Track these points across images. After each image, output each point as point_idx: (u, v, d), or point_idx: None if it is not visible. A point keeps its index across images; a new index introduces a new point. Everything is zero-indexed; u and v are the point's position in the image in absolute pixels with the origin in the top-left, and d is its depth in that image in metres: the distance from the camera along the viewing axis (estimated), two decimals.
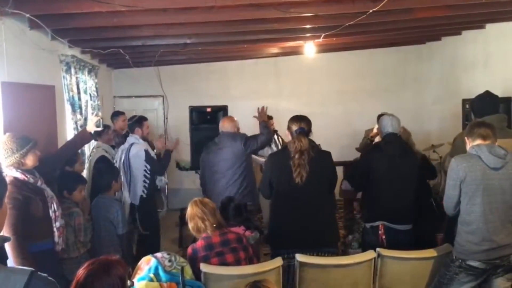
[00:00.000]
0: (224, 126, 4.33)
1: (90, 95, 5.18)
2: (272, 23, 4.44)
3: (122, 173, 4.33)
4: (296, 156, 3.16)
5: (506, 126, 3.75)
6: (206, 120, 5.31)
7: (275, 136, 5.53)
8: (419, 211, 3.55)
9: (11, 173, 2.88)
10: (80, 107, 4.76)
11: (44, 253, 2.94)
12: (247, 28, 4.58)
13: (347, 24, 4.44)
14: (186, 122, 5.43)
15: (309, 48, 5.85)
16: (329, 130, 7.04)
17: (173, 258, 2.59)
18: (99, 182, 4.02)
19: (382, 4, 3.69)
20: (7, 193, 2.71)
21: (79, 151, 4.19)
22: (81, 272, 1.76)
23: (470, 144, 2.83)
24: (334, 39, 5.55)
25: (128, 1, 3.25)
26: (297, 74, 7.71)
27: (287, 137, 3.41)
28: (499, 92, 4.38)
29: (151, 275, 2.48)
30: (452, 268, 2.84)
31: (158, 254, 2.60)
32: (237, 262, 2.86)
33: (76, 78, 4.72)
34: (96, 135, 4.68)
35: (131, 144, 4.41)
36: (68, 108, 4.53)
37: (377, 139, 4.18)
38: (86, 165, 4.75)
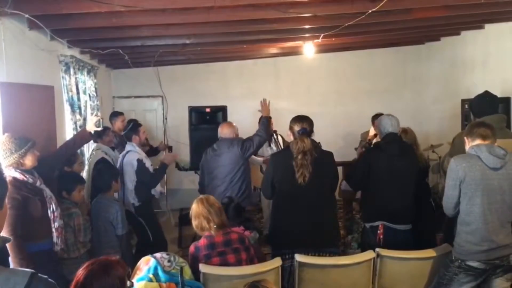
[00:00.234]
0: (223, 132, 4.33)
1: (89, 95, 5.18)
2: (271, 23, 4.44)
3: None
4: (299, 156, 3.16)
5: (505, 126, 3.75)
6: (206, 120, 5.31)
7: (274, 136, 5.53)
8: (419, 211, 3.56)
9: (10, 173, 2.88)
10: (79, 108, 4.75)
11: (42, 253, 2.95)
12: (246, 28, 4.58)
13: (346, 25, 4.44)
14: (186, 122, 5.44)
15: (308, 48, 5.85)
16: (328, 130, 7.04)
17: (172, 258, 2.59)
18: (99, 182, 4.02)
19: (381, 4, 3.69)
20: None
21: (78, 151, 4.19)
22: (80, 272, 1.76)
23: (470, 144, 2.84)
24: (333, 39, 5.55)
25: (127, 1, 3.25)
26: (296, 74, 7.71)
27: (289, 137, 3.41)
28: (498, 92, 4.39)
29: (150, 275, 2.48)
30: (452, 268, 2.84)
31: (157, 255, 2.60)
32: (239, 263, 2.86)
33: (75, 78, 4.72)
34: (97, 137, 4.69)
35: (128, 152, 4.38)
36: (67, 108, 4.52)
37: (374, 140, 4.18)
38: (86, 167, 4.75)
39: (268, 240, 3.60)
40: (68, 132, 4.53)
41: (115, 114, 5.41)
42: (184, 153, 6.19)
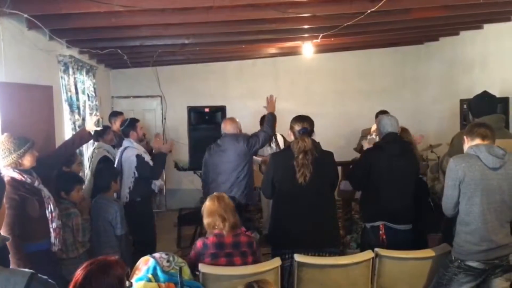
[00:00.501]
0: (226, 127, 4.29)
1: (88, 95, 5.17)
2: (270, 23, 4.44)
3: None
4: (300, 156, 3.16)
5: (504, 126, 3.75)
6: (205, 120, 5.31)
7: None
8: (418, 211, 3.56)
9: (8, 173, 2.88)
10: (78, 108, 4.75)
11: (40, 253, 2.94)
12: (245, 28, 4.58)
13: (345, 25, 4.44)
14: (185, 122, 5.44)
15: (307, 48, 5.85)
16: (328, 130, 7.04)
17: (171, 258, 2.58)
18: (98, 182, 4.01)
19: (380, 4, 3.69)
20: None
21: (77, 151, 4.19)
22: (79, 272, 1.76)
23: (469, 143, 2.84)
24: (332, 39, 5.55)
25: (126, 1, 3.25)
26: (295, 75, 7.71)
27: (290, 137, 3.41)
28: (497, 92, 4.39)
29: (149, 275, 2.47)
30: (451, 268, 2.84)
31: (157, 254, 2.59)
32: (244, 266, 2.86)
33: (74, 78, 4.72)
34: (98, 136, 4.69)
35: (125, 148, 4.35)
36: (66, 108, 4.52)
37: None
38: (88, 165, 4.75)
39: (267, 240, 3.60)
40: (67, 132, 4.52)
41: (114, 114, 5.41)
42: (183, 153, 6.19)
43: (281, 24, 4.52)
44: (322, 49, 6.71)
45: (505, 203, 2.75)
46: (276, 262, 2.91)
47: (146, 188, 4.41)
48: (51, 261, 3.05)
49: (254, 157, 5.13)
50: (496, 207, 2.73)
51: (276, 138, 5.57)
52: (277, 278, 2.90)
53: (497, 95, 4.01)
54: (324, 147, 3.40)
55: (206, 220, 2.95)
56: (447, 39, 6.87)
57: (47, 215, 3.01)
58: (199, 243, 2.89)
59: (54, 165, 3.52)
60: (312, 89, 7.75)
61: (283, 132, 4.63)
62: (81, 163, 4.49)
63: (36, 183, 2.99)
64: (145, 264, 2.55)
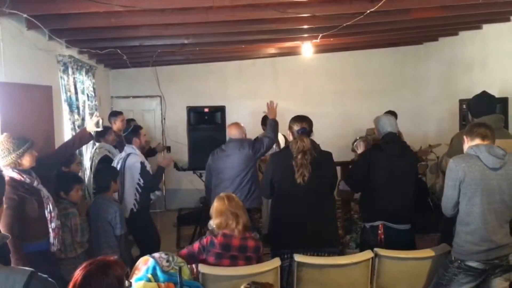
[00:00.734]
0: (231, 133, 4.29)
1: (88, 95, 5.17)
2: (269, 23, 4.44)
3: None
4: (299, 156, 3.16)
5: (503, 126, 3.76)
6: (204, 121, 5.29)
7: None
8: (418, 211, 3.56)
9: (7, 173, 2.87)
10: (78, 108, 4.75)
11: (39, 253, 2.94)
12: (245, 28, 4.59)
13: (344, 25, 4.45)
14: (184, 123, 5.42)
15: (307, 48, 5.85)
16: (327, 130, 7.04)
17: (171, 258, 2.58)
18: (97, 183, 4.01)
19: (379, 4, 3.70)
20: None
21: (76, 151, 4.18)
22: (78, 272, 1.75)
23: (469, 143, 2.84)
24: (332, 39, 5.56)
25: (125, 1, 3.25)
26: (295, 75, 7.72)
27: (289, 137, 3.41)
28: (496, 92, 4.40)
29: (149, 275, 2.47)
30: (451, 269, 2.84)
31: (156, 254, 2.59)
32: None
33: (74, 78, 4.72)
34: (99, 136, 4.71)
35: (128, 154, 4.32)
36: (65, 108, 4.52)
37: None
38: (89, 165, 4.77)
39: (267, 240, 3.60)
40: (66, 132, 4.52)
41: (114, 114, 5.41)
42: (182, 153, 6.17)
43: (281, 24, 4.52)
44: (322, 49, 6.71)
45: (505, 203, 2.75)
46: (276, 262, 2.91)
47: (145, 197, 4.39)
48: (50, 261, 3.05)
49: None
50: (496, 207, 2.73)
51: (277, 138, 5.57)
52: (277, 278, 2.90)
53: (496, 95, 4.02)
54: (324, 147, 3.41)
55: (216, 221, 2.90)
56: (446, 39, 6.88)
57: (46, 215, 3.00)
58: (207, 238, 2.87)
59: (54, 165, 3.51)
60: (311, 89, 7.76)
61: (284, 132, 4.63)
62: (80, 163, 4.49)
63: (35, 183, 2.99)
64: (144, 264, 2.54)
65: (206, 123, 5.27)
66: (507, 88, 5.18)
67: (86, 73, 5.19)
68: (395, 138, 3.46)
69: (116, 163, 4.36)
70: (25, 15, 3.32)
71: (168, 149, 6.88)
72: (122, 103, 7.46)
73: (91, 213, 3.78)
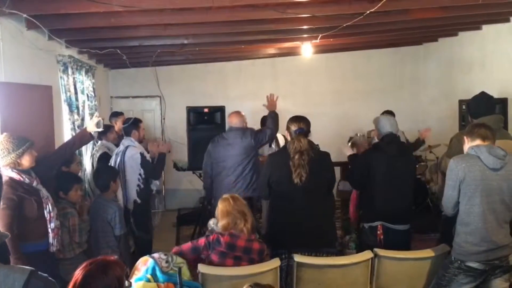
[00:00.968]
0: (233, 121, 4.27)
1: (87, 95, 5.17)
2: (269, 23, 4.44)
3: None
4: (296, 156, 3.17)
5: (502, 126, 3.76)
6: (204, 121, 5.30)
7: None
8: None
9: (6, 173, 2.88)
10: (78, 108, 4.75)
11: (38, 253, 2.94)
12: (245, 28, 4.59)
13: (344, 25, 4.45)
14: (184, 123, 5.43)
15: (306, 48, 5.85)
16: (326, 130, 7.05)
17: (170, 259, 2.58)
18: (97, 183, 4.01)
19: (379, 5, 3.70)
20: (2, 193, 2.71)
21: (76, 152, 4.18)
22: (78, 272, 1.76)
23: (469, 144, 2.84)
24: (331, 40, 5.56)
25: (125, 1, 3.25)
26: (294, 75, 7.72)
27: (288, 137, 3.41)
28: (495, 93, 4.40)
29: (148, 275, 2.48)
30: (451, 269, 2.84)
31: (156, 255, 2.59)
32: None
33: (73, 78, 4.72)
34: (101, 134, 4.74)
35: (127, 147, 4.32)
36: (65, 108, 4.52)
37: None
38: (89, 162, 4.78)
39: (265, 240, 3.60)
40: (66, 132, 4.52)
41: (115, 114, 5.43)
42: (182, 153, 6.18)
43: (280, 25, 4.52)
44: (321, 49, 6.72)
45: (505, 204, 2.75)
46: (275, 262, 2.91)
47: (146, 189, 4.40)
48: (50, 261, 3.05)
49: None
50: (496, 207, 2.74)
51: (276, 138, 5.57)
52: (277, 278, 2.90)
53: (496, 96, 4.03)
54: (323, 147, 3.41)
55: (223, 222, 2.90)
56: (446, 39, 6.89)
57: (46, 215, 3.00)
58: (213, 236, 2.86)
59: (54, 165, 3.52)
60: (311, 90, 7.76)
61: (283, 132, 4.63)
62: (80, 163, 4.49)
63: (34, 183, 2.99)
64: (144, 265, 2.55)
65: (206, 123, 5.27)
66: (507, 88, 5.19)
67: (86, 73, 5.19)
68: (395, 139, 3.46)
69: (115, 157, 4.36)
70: (25, 15, 3.32)
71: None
72: (122, 103, 7.46)
73: (90, 213, 3.78)
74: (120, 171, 4.24)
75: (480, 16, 5.02)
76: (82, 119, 4.83)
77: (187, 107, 5.37)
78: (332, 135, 7.06)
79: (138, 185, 4.27)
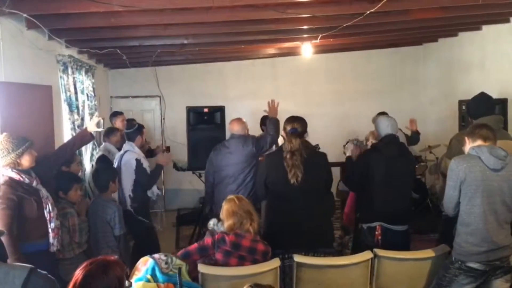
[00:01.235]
0: (234, 129, 4.20)
1: (87, 95, 5.18)
2: (269, 24, 4.44)
3: None
4: (288, 156, 3.19)
5: (502, 127, 3.76)
6: (203, 121, 5.29)
7: None
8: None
9: (6, 173, 2.88)
10: (77, 107, 4.75)
11: (38, 253, 2.93)
12: (245, 28, 4.59)
13: (344, 25, 4.45)
14: (183, 123, 5.42)
15: (306, 49, 5.85)
16: (326, 130, 7.05)
17: (169, 260, 2.58)
18: (96, 183, 4.01)
19: (379, 5, 3.70)
20: (2, 193, 2.71)
21: (76, 151, 4.18)
22: (79, 272, 1.75)
23: (470, 144, 2.84)
24: (331, 40, 5.56)
25: (125, 1, 3.24)
26: (294, 75, 7.72)
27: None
28: (495, 93, 4.41)
29: (148, 276, 2.48)
30: (452, 270, 2.84)
31: (156, 255, 2.59)
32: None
33: (73, 78, 4.72)
34: (104, 136, 4.77)
35: (125, 151, 4.33)
36: (65, 108, 4.52)
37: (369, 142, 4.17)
38: (90, 162, 4.79)
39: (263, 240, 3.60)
40: (66, 132, 4.52)
41: (114, 114, 5.46)
42: (181, 153, 6.17)
43: (280, 25, 4.52)
44: (321, 49, 6.72)
45: (506, 205, 2.75)
46: (276, 262, 2.91)
47: (142, 194, 4.37)
48: (50, 261, 3.04)
49: None
50: (497, 208, 2.74)
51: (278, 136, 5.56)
52: (277, 278, 2.90)
53: (496, 96, 4.02)
54: (323, 147, 3.42)
55: (229, 222, 2.90)
56: (446, 40, 6.89)
57: (46, 215, 3.00)
58: (218, 235, 2.86)
59: (54, 165, 3.52)
60: (311, 90, 7.76)
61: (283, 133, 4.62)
62: (80, 163, 4.49)
63: (34, 183, 2.98)
64: (144, 265, 2.55)
65: (206, 123, 5.26)
66: (507, 89, 5.19)
67: (86, 73, 5.19)
68: (394, 140, 3.46)
69: (115, 161, 4.38)
70: (25, 15, 3.32)
71: (168, 149, 6.86)
72: (122, 103, 7.46)
73: (89, 214, 3.78)
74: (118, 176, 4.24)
75: (480, 17, 5.02)
76: (82, 119, 4.83)
77: (187, 107, 5.36)
78: (332, 135, 7.06)
79: (130, 190, 4.25)
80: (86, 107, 5.10)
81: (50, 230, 3.01)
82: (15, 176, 2.89)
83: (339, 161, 5.43)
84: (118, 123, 5.29)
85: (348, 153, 3.87)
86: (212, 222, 3.18)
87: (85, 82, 5.11)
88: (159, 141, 7.39)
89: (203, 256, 2.85)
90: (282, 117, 4.16)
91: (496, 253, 2.74)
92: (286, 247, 3.15)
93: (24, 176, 2.92)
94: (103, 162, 4.53)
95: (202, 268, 2.76)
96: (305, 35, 5.34)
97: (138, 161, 4.27)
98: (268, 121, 4.33)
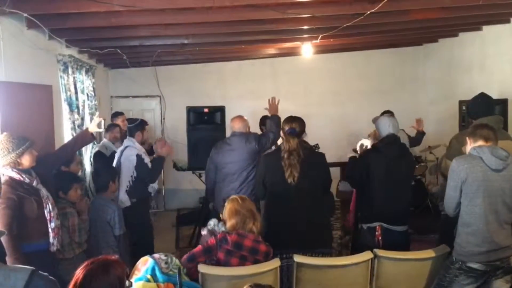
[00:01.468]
0: (235, 126, 4.19)
1: (87, 95, 5.18)
2: (269, 24, 4.44)
3: None
4: (285, 156, 3.19)
5: (502, 127, 3.76)
6: (203, 121, 5.29)
7: None
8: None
9: (6, 173, 2.88)
10: (78, 107, 4.76)
11: (38, 253, 2.93)
12: (245, 28, 4.59)
13: (344, 25, 4.45)
14: (183, 123, 5.42)
15: (307, 49, 5.86)
16: (326, 131, 7.05)
17: (169, 260, 2.57)
18: (96, 183, 4.01)
19: (379, 5, 3.70)
20: (2, 192, 2.71)
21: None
22: (80, 271, 1.75)
23: (471, 145, 2.84)
24: (332, 40, 5.56)
25: (126, 1, 3.25)
26: (294, 75, 7.72)
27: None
28: (495, 93, 4.41)
29: (148, 275, 2.47)
30: (452, 270, 2.84)
31: (156, 255, 2.59)
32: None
33: (74, 78, 4.72)
34: (104, 132, 4.78)
35: (126, 147, 4.32)
36: (65, 108, 4.52)
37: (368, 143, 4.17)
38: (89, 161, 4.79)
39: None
40: (66, 131, 4.53)
41: (115, 114, 5.48)
42: (182, 153, 6.17)
43: (281, 25, 4.52)
44: (321, 49, 6.72)
45: (506, 205, 2.75)
46: (276, 262, 2.90)
47: (142, 190, 4.37)
48: (50, 261, 3.04)
49: None
50: (498, 208, 2.73)
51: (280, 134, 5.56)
52: (277, 278, 2.90)
53: (496, 97, 4.03)
54: (323, 147, 3.41)
55: (231, 221, 2.89)
56: (446, 40, 6.89)
57: (46, 215, 3.00)
58: (220, 234, 2.85)
59: (55, 165, 3.52)
60: (311, 90, 7.76)
61: None
62: (80, 163, 4.49)
63: (34, 183, 2.98)
64: (144, 265, 2.54)
65: (206, 123, 5.26)
66: (507, 89, 5.19)
67: (86, 72, 5.19)
68: (395, 140, 3.46)
69: (115, 157, 4.37)
70: (25, 15, 3.32)
71: None
72: (122, 103, 7.46)
73: (89, 213, 3.78)
74: (118, 171, 4.24)
75: (480, 17, 5.02)
76: (82, 119, 4.83)
77: (187, 107, 5.36)
78: (331, 135, 7.07)
79: (127, 186, 4.24)
80: (86, 107, 5.11)
81: (50, 230, 3.01)
82: (16, 175, 2.89)
83: (339, 161, 5.43)
84: (119, 123, 5.29)
85: (366, 145, 3.85)
86: (212, 222, 3.17)
87: (85, 82, 5.11)
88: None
89: (208, 258, 2.85)
90: (282, 117, 4.17)
91: (497, 254, 2.74)
92: (283, 247, 3.14)
93: (24, 176, 2.92)
94: (100, 159, 4.54)
95: (202, 268, 2.75)
96: (305, 35, 5.34)
97: (139, 157, 4.26)
98: (269, 119, 4.32)
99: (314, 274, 2.99)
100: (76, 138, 3.72)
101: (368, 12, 3.88)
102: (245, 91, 7.61)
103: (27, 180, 2.93)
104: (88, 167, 4.94)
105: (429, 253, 3.07)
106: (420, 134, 5.53)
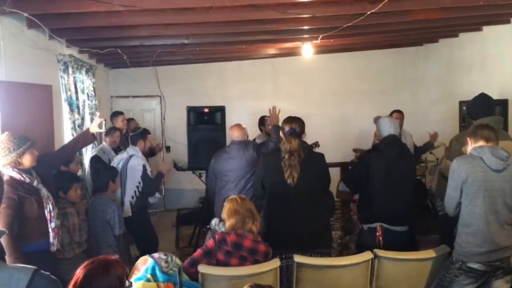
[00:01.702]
0: (234, 135, 4.22)
1: (88, 94, 5.18)
2: (270, 24, 4.44)
3: None
4: (286, 156, 3.19)
5: (502, 128, 3.76)
6: (204, 121, 5.29)
7: None
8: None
9: (7, 172, 2.88)
10: (78, 107, 4.76)
11: (39, 253, 2.93)
12: (245, 29, 4.59)
13: (345, 26, 4.45)
14: (184, 123, 5.42)
15: (307, 49, 5.85)
16: (326, 131, 7.05)
17: (169, 259, 2.58)
18: (95, 182, 4.01)
19: (380, 6, 3.70)
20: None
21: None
22: (80, 271, 1.75)
23: (472, 145, 2.84)
24: (332, 40, 5.56)
25: (126, 1, 3.25)
26: (294, 75, 7.72)
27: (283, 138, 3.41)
28: (495, 94, 4.41)
29: (148, 275, 2.47)
30: (452, 270, 2.84)
31: (155, 255, 2.59)
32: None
33: (74, 77, 4.72)
34: (104, 135, 4.77)
35: (131, 156, 4.31)
36: (65, 107, 4.52)
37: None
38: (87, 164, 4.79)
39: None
40: (66, 131, 4.53)
41: (115, 114, 5.48)
42: (182, 153, 6.18)
43: (281, 25, 4.52)
44: (322, 50, 6.72)
45: (507, 206, 2.75)
46: (276, 262, 2.90)
47: (143, 199, 4.37)
48: (50, 261, 3.04)
49: None
50: (498, 209, 2.73)
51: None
52: (276, 278, 2.90)
53: (496, 97, 4.02)
54: (323, 147, 3.41)
55: (230, 221, 2.88)
56: (446, 40, 6.89)
57: (46, 214, 3.00)
58: (218, 235, 2.85)
59: (56, 165, 3.52)
60: (311, 90, 7.76)
61: None
62: (80, 163, 4.49)
63: (35, 183, 2.98)
64: (144, 264, 2.54)
65: (206, 123, 5.26)
66: (507, 90, 5.19)
67: (86, 72, 5.19)
68: (396, 140, 3.46)
69: (117, 164, 4.33)
70: (25, 14, 3.32)
71: (168, 149, 6.87)
72: (122, 103, 7.46)
73: (89, 213, 3.78)
74: (123, 179, 4.23)
75: (480, 18, 5.02)
76: (82, 119, 4.84)
77: (187, 107, 5.36)
78: (332, 135, 7.07)
79: (133, 196, 4.25)
80: (87, 107, 5.11)
81: (50, 229, 3.01)
82: (16, 175, 2.89)
83: (339, 161, 5.43)
84: (119, 123, 5.30)
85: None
86: (214, 222, 3.17)
87: (85, 82, 5.11)
88: (159, 141, 7.39)
89: (209, 260, 2.84)
90: (282, 117, 4.17)
91: (497, 254, 2.74)
92: (283, 247, 3.14)
93: (25, 176, 2.92)
94: (96, 163, 4.52)
95: (202, 268, 2.75)
96: (305, 36, 5.34)
97: (144, 167, 4.27)
98: (272, 129, 4.33)
99: (314, 274, 2.99)
100: (77, 138, 3.72)
101: (369, 12, 3.88)
102: (245, 91, 7.61)
103: (27, 180, 2.93)
104: (88, 167, 4.93)
105: (429, 253, 3.07)
106: (430, 145, 5.52)
